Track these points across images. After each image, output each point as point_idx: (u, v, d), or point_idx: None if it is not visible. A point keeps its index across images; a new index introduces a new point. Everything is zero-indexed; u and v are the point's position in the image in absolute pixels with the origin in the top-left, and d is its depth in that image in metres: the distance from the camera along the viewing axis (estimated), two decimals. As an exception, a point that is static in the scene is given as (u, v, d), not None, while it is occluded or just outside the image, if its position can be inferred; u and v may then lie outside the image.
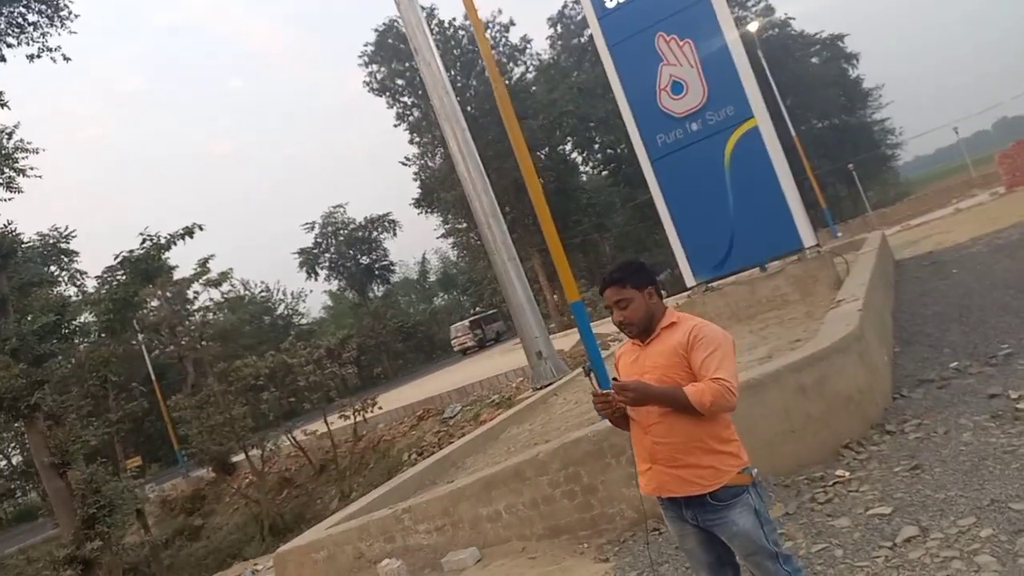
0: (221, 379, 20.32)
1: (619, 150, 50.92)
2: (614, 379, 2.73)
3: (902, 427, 5.33)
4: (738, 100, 11.03)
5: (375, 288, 65.37)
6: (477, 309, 29.31)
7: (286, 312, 54.45)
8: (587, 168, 56.63)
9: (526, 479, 5.83)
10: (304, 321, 58.19)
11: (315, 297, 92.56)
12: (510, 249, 13.70)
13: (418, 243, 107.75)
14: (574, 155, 53.61)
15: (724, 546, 2.76)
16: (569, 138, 50.80)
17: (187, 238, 25.14)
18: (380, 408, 21.94)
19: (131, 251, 25.97)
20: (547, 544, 5.71)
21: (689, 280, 11.71)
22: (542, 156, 49.11)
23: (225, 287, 36.89)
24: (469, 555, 5.91)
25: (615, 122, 37.27)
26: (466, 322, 45.20)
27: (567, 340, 28.70)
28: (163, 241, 24.00)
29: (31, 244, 31.55)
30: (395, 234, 60.25)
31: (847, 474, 4.80)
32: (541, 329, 14.01)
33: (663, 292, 2.97)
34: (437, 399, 23.40)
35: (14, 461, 36.10)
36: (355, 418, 21.44)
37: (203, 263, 28.66)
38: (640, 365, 2.78)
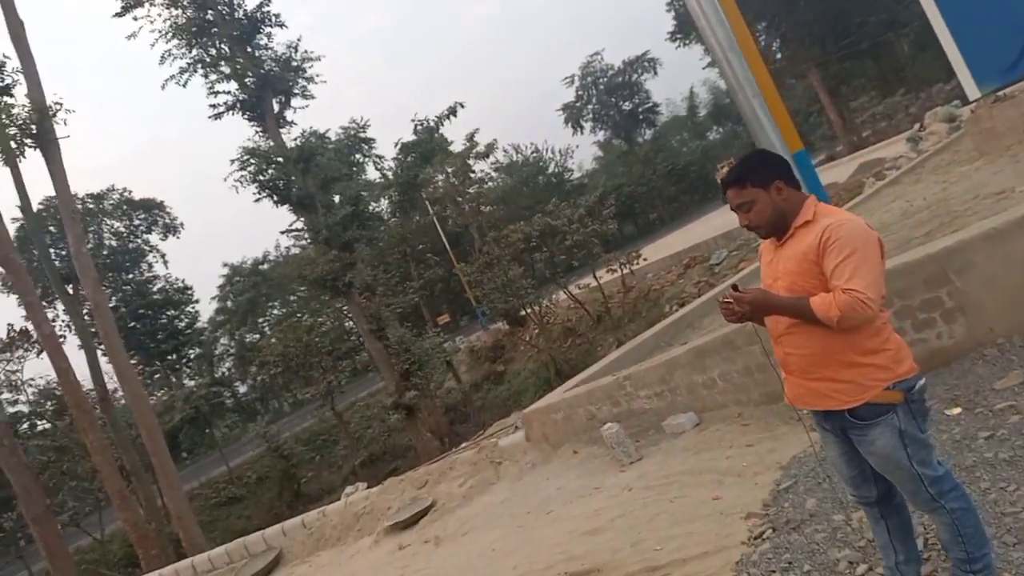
0: (495, 244, 22.09)
1: (914, -77, 41.91)
2: (734, 286, 2.53)
3: None
4: None
5: (642, 133, 64.20)
6: None
7: (557, 170, 56.26)
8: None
9: (737, 348, 5.76)
10: (575, 176, 59.70)
11: (584, 150, 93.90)
12: (753, 85, 12.56)
13: (683, 78, 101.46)
14: (855, -59, 45.41)
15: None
16: (846, -78, 43.01)
17: (452, 117, 27.07)
18: (645, 260, 22.35)
19: (416, 131, 28.69)
20: (763, 410, 5.68)
21: (972, 91, 9.69)
22: (812, -48, 42.58)
23: (494, 157, 39.09)
24: (687, 419, 6.12)
25: None
26: None
27: (849, 166, 25.93)
28: (432, 123, 26.13)
29: (338, 138, 36.23)
30: (656, 73, 57.98)
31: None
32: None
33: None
34: (703, 245, 23.08)
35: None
36: (621, 271, 22.21)
37: (470, 137, 30.62)
38: (773, 269, 2.53)
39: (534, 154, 55.92)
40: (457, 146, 35.95)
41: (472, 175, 41.62)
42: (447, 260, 33.92)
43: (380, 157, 41.61)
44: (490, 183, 43.30)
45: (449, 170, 32.77)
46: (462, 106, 26.40)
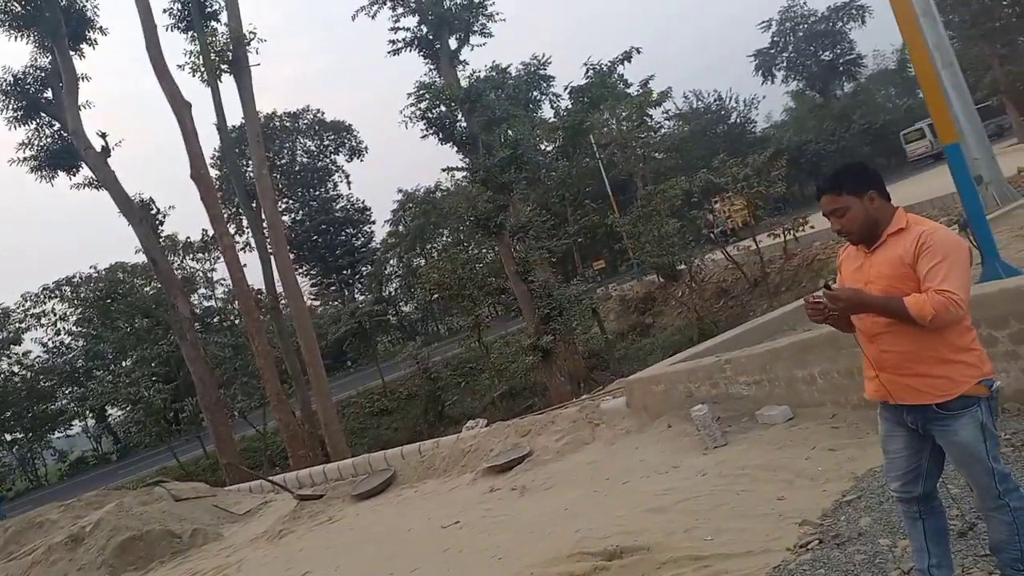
0: (654, 197, 21.69)
1: None
2: (826, 286, 2.65)
3: None
4: None
5: (840, 86, 58.99)
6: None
7: (739, 120, 53.28)
8: None
9: (841, 348, 5.51)
10: (760, 128, 56.26)
11: (773, 100, 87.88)
12: (946, 53, 11.39)
13: (895, 28, 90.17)
14: None
15: (930, 459, 2.70)
16: None
17: (627, 62, 26.43)
18: (812, 228, 21.02)
19: (588, 74, 28.18)
20: (859, 415, 5.44)
21: None
22: None
23: (672, 103, 37.72)
24: (780, 412, 5.99)
25: None
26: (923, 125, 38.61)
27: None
28: (605, 68, 25.67)
29: (518, 74, 36.49)
30: (863, 22, 52.57)
31: None
32: (983, 148, 11.56)
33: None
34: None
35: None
36: (784, 236, 21.09)
37: (645, 83, 29.76)
38: (864, 274, 2.65)
39: (716, 102, 53.28)
40: (632, 91, 35.11)
41: (647, 120, 40.58)
42: (608, 206, 33.71)
43: (556, 95, 41.54)
44: (663, 130, 41.96)
45: (622, 114, 32.16)
46: (638, 51, 25.74)
